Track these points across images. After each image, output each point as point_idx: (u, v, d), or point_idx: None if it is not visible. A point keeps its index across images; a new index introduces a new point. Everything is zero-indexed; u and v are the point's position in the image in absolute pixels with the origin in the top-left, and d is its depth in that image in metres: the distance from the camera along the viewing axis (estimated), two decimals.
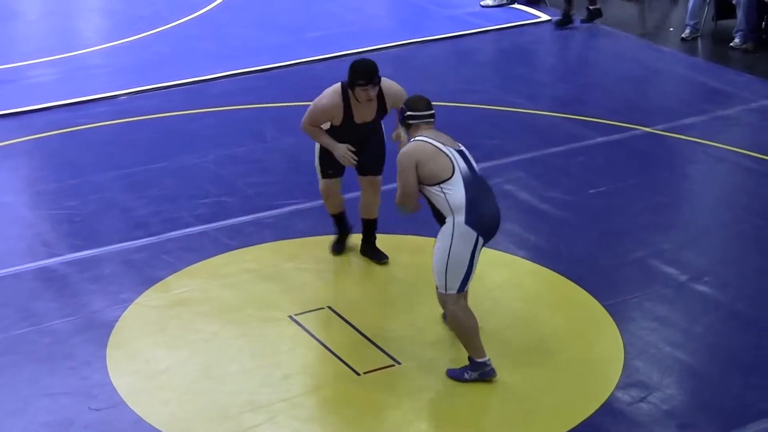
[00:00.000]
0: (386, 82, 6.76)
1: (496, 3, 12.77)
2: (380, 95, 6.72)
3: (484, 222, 5.81)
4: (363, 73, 6.55)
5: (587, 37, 11.95)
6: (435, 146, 5.85)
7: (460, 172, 5.81)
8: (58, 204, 8.10)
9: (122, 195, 8.20)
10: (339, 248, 7.32)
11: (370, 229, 7.23)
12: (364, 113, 6.76)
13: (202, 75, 10.48)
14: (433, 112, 6.01)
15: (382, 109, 6.82)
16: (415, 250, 7.27)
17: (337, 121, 6.75)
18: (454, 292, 5.89)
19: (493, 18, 12.40)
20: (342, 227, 7.31)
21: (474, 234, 5.78)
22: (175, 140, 9.21)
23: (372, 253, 7.22)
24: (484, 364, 5.98)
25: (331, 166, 6.94)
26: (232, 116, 9.69)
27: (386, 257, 7.19)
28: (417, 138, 5.91)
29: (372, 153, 6.94)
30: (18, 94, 10.12)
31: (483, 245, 5.88)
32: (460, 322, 5.95)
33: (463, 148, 5.97)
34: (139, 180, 8.46)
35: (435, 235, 5.90)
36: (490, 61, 11.67)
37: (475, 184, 5.82)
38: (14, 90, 10.28)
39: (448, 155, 5.83)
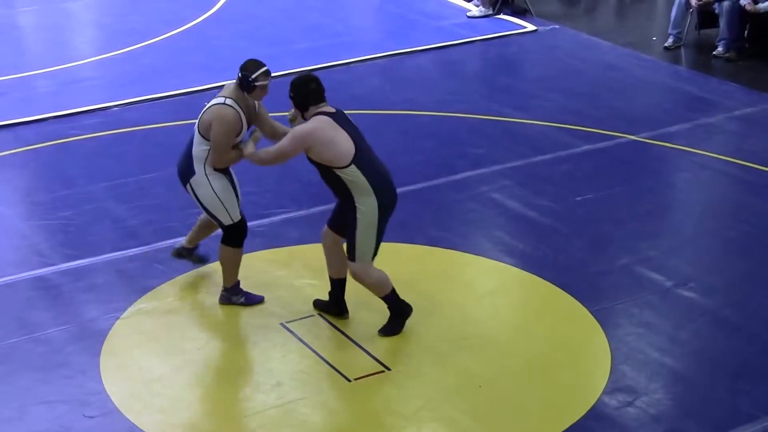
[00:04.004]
0: None
1: (482, 14, 12.88)
2: None
3: None
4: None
5: (572, 46, 12.05)
6: None
7: None
8: (52, 214, 8.16)
9: (114, 205, 8.25)
10: (319, 303, 6.82)
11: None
12: None
13: (192, 86, 10.53)
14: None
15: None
16: (405, 258, 7.35)
17: None
18: None
19: (480, 29, 12.50)
20: (331, 295, 6.74)
21: None
22: (166, 151, 9.20)
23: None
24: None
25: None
26: None
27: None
28: None
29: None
30: (11, 106, 10.17)
31: None
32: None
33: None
34: (131, 190, 8.52)
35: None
36: (477, 71, 11.76)
37: None
38: (7, 102, 10.32)
39: None
